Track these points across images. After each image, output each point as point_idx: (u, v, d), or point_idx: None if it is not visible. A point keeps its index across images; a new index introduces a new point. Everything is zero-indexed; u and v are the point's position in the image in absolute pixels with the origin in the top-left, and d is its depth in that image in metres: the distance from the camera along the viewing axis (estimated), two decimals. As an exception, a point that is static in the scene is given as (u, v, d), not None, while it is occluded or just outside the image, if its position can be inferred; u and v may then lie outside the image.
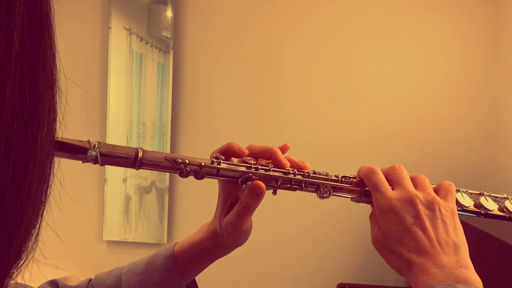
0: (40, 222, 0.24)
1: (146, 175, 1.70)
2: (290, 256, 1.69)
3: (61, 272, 1.64)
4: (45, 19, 0.24)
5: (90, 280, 0.57)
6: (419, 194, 0.44)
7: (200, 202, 1.70)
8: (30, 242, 0.24)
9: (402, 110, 1.64)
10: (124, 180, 1.71)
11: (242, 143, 0.50)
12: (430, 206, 0.43)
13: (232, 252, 0.54)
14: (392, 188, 0.46)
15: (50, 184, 0.25)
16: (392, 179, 0.46)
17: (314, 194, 0.50)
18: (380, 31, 1.64)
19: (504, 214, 0.48)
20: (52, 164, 0.25)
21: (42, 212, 0.24)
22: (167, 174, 1.69)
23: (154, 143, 1.69)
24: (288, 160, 0.49)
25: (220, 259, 0.55)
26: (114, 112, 1.69)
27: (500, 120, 1.56)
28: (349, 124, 1.66)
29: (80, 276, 1.69)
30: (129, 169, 1.68)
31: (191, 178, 0.47)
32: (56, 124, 0.25)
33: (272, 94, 1.68)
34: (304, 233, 1.68)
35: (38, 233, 0.24)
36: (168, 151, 1.67)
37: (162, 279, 0.53)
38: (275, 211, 1.64)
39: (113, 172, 1.70)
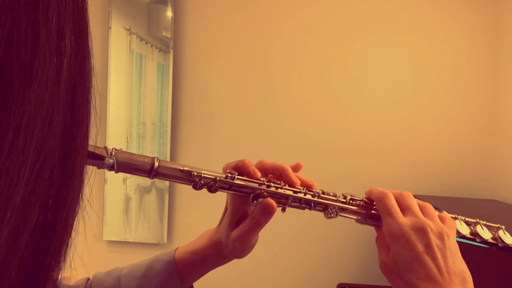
0: (71, 240, 0.25)
1: (146, 175, 1.69)
2: (290, 256, 1.69)
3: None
4: (86, 40, 0.24)
5: (88, 279, 0.57)
6: (430, 223, 0.45)
7: (200, 202, 1.70)
8: (62, 259, 0.24)
9: (399, 110, 1.64)
10: (124, 180, 1.71)
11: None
12: (440, 236, 0.44)
13: None
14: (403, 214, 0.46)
15: (80, 206, 0.25)
16: (402, 205, 0.47)
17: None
18: (378, 28, 1.64)
19: (497, 243, 0.50)
20: (83, 188, 0.25)
21: (71, 233, 0.25)
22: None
23: (154, 143, 1.69)
24: (298, 178, 0.50)
25: None
26: (114, 112, 1.69)
27: (501, 121, 1.56)
28: (349, 124, 1.66)
29: (80, 277, 1.68)
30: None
31: None
32: (88, 146, 0.25)
33: (272, 94, 1.68)
34: (304, 233, 1.68)
35: (67, 249, 0.24)
36: (168, 150, 1.67)
37: (162, 284, 0.53)
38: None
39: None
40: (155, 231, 1.71)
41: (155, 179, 1.77)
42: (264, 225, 0.49)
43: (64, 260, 0.24)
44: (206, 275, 0.56)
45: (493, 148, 1.59)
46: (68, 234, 0.24)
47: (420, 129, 1.64)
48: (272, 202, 0.47)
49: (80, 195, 0.25)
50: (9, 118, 0.19)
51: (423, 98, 1.63)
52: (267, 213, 0.47)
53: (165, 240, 1.70)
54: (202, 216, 1.69)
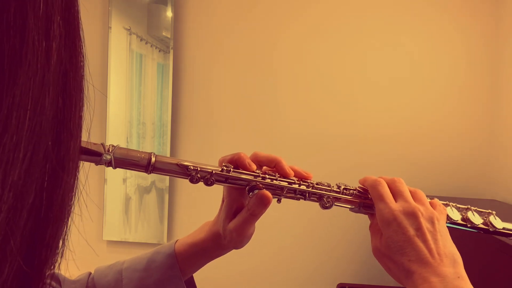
0: (68, 226, 0.25)
1: (146, 175, 1.69)
2: (290, 256, 1.69)
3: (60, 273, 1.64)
4: (77, 27, 0.24)
5: (90, 273, 0.58)
6: (421, 208, 0.46)
7: (200, 202, 1.70)
8: (61, 245, 0.25)
9: (399, 110, 1.64)
10: (124, 180, 1.71)
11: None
12: (430, 220, 0.46)
13: (232, 252, 0.55)
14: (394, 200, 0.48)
15: (76, 190, 0.25)
16: (394, 191, 0.49)
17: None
18: (379, 28, 1.64)
19: (487, 228, 0.52)
20: (78, 171, 0.26)
21: (69, 216, 0.25)
22: (167, 174, 1.69)
23: (154, 143, 1.69)
24: (292, 169, 0.51)
25: (221, 259, 0.56)
26: (114, 112, 1.69)
27: (501, 121, 1.56)
28: (348, 123, 1.66)
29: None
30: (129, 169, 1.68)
31: None
32: (81, 131, 0.26)
33: (272, 94, 1.68)
34: (304, 233, 1.68)
35: (65, 236, 0.25)
36: (168, 150, 1.68)
37: (163, 276, 0.54)
38: (275, 212, 1.63)
39: (113, 172, 1.70)
40: (155, 231, 1.71)
41: (156, 179, 1.76)
42: (260, 216, 0.50)
43: (63, 244, 0.25)
44: (208, 275, 0.57)
45: (493, 148, 1.59)
46: (65, 216, 0.24)
47: (419, 129, 1.63)
48: (268, 193, 0.48)
49: (76, 178, 0.25)
50: (2, 98, 0.19)
51: (422, 98, 1.63)
52: (263, 204, 0.48)
53: (165, 240, 1.70)
54: (202, 216, 1.69)
